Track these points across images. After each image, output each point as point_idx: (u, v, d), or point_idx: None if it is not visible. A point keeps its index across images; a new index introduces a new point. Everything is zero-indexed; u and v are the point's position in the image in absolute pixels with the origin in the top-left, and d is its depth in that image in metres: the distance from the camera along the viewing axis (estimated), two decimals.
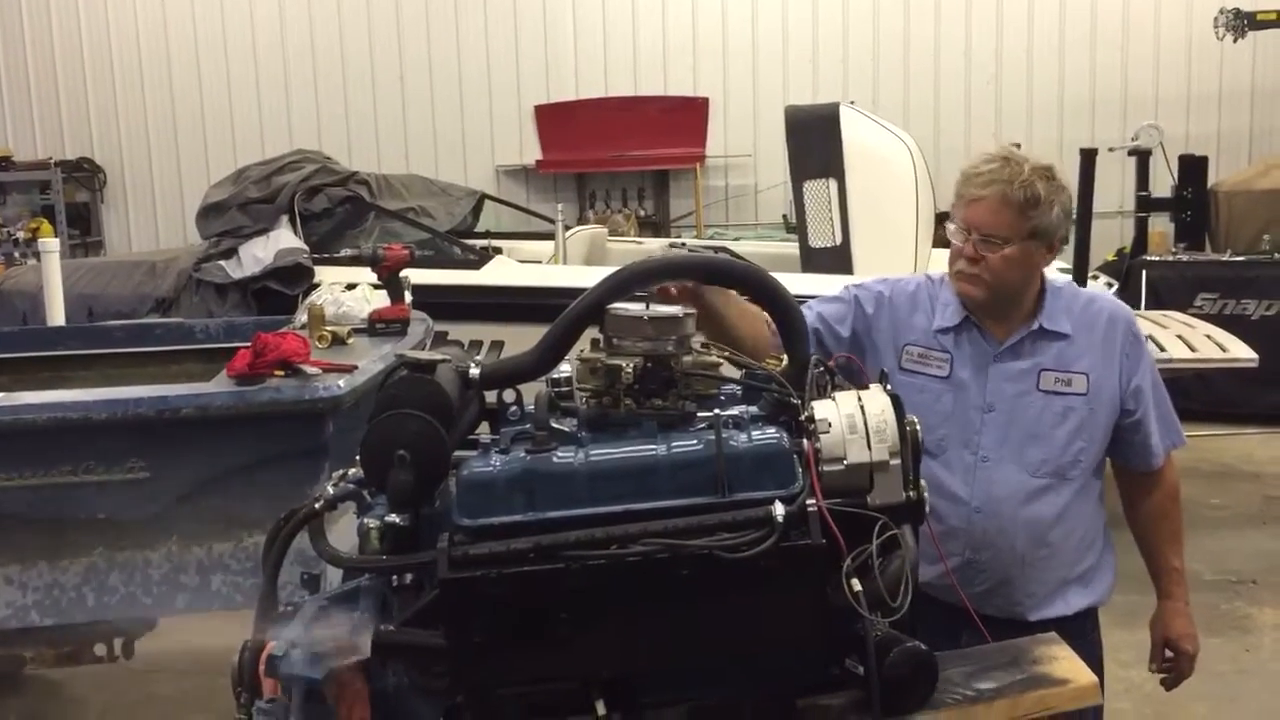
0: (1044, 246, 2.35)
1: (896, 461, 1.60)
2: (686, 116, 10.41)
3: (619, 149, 10.21)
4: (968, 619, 2.10)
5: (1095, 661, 2.32)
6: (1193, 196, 8.68)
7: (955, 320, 2.41)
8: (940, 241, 6.31)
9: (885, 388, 1.69)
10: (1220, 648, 4.69)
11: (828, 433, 1.61)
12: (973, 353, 2.41)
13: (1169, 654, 2.57)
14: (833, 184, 5.76)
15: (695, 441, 1.61)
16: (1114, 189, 9.31)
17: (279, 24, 10.49)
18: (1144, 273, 8.15)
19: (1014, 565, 2.39)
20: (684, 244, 7.79)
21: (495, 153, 10.60)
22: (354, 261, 5.93)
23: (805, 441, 1.61)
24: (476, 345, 5.66)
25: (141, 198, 10.77)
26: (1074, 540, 2.44)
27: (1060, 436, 2.38)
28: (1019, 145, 8.80)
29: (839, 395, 1.67)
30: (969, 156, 2.42)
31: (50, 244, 4.94)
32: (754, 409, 1.76)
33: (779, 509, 1.52)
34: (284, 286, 5.94)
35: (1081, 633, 2.18)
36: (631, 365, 1.68)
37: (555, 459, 1.60)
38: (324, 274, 5.83)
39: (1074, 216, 2.44)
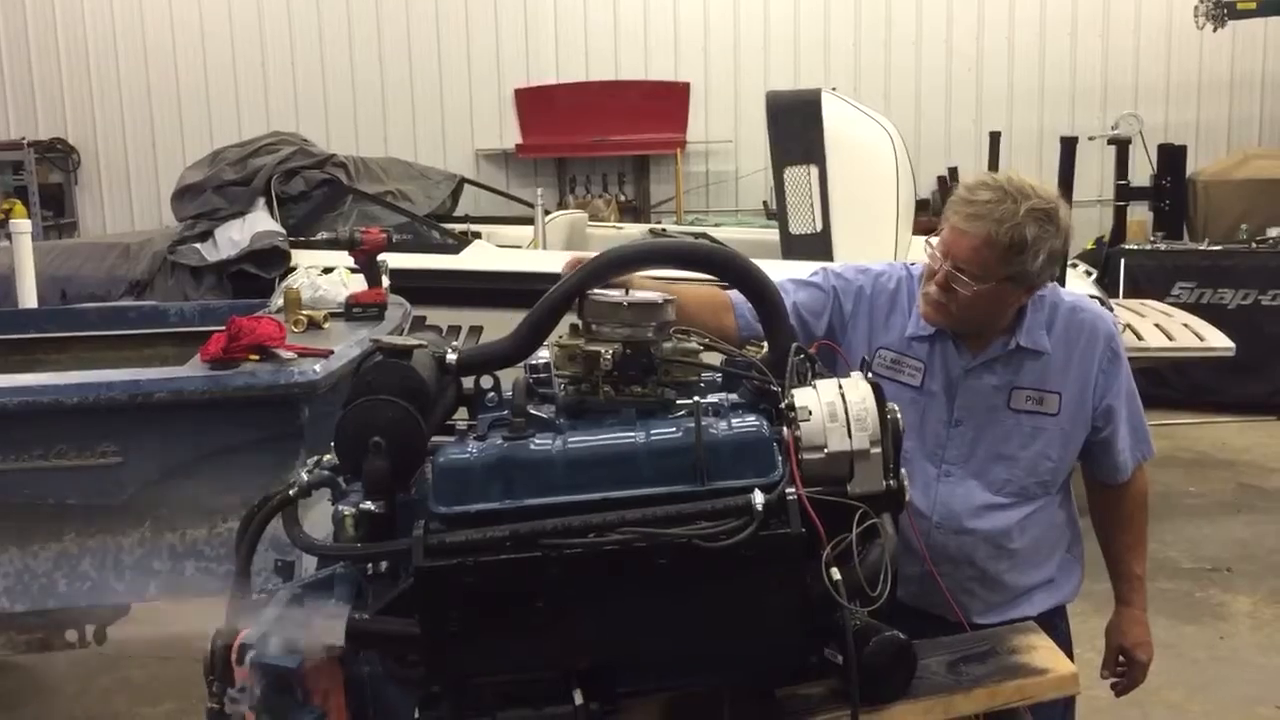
0: (1020, 289, 2.21)
1: (877, 450, 1.59)
2: (667, 101, 10.38)
3: (599, 133, 10.17)
4: (934, 625, 2.08)
5: (1066, 653, 2.29)
6: (1171, 186, 8.72)
7: (930, 329, 2.30)
8: (921, 229, 6.33)
9: (866, 376, 1.67)
10: (1195, 635, 4.73)
11: (808, 421, 1.60)
12: (944, 364, 2.32)
13: (1122, 661, 2.52)
14: (813, 170, 5.74)
15: (674, 429, 1.60)
16: (1093, 177, 9.36)
17: (256, 2, 10.39)
18: (1122, 261, 8.18)
19: (974, 579, 2.35)
20: (664, 230, 7.79)
21: (475, 136, 10.54)
22: (331, 245, 5.89)
23: (785, 429, 1.60)
24: (455, 330, 5.63)
25: (116, 179, 10.66)
26: (1038, 551, 2.39)
27: (1027, 458, 2.32)
28: (999, 134, 8.93)
29: (819, 383, 1.66)
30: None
31: (22, 225, 4.87)
32: (734, 396, 1.75)
33: (759, 497, 1.51)
34: (260, 270, 5.90)
35: (1049, 627, 2.15)
36: (610, 351, 1.67)
37: (533, 446, 1.58)
38: (300, 257, 5.78)
39: (1065, 259, 2.23)
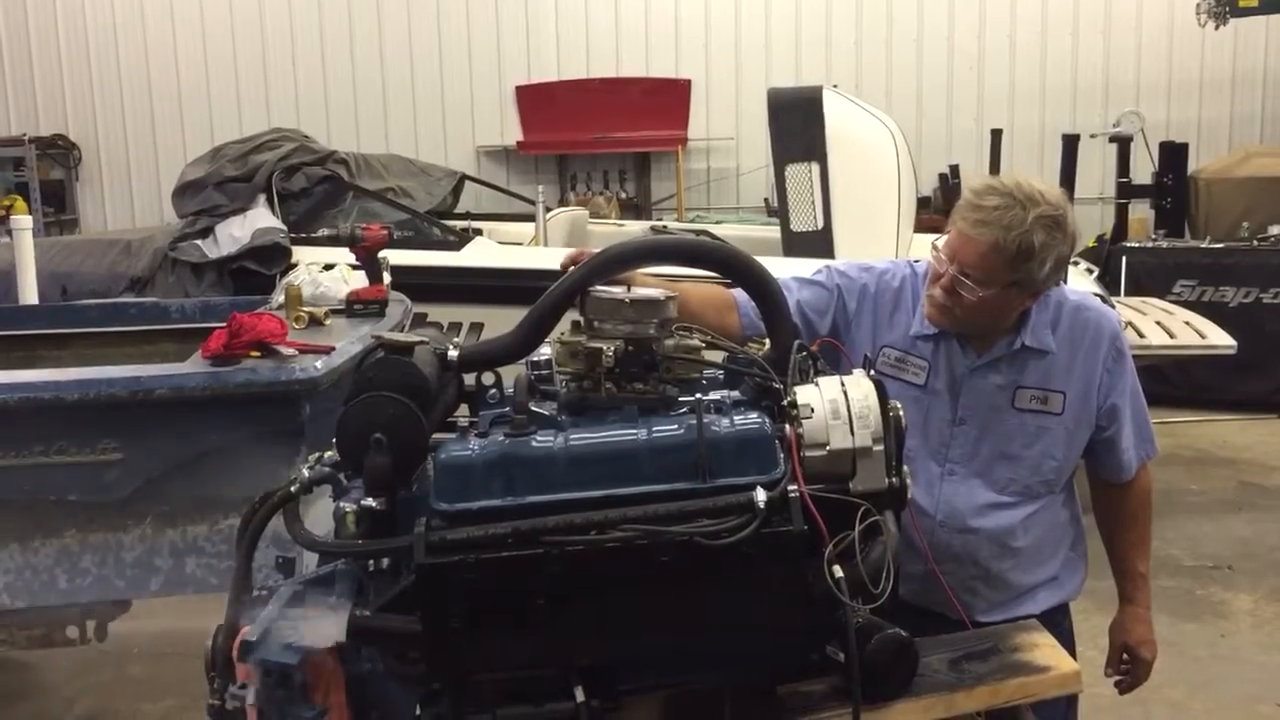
0: (1026, 294, 2.20)
1: (879, 447, 1.59)
2: (668, 98, 10.36)
3: (600, 130, 10.16)
4: (937, 623, 2.08)
5: (1069, 651, 2.29)
6: (1173, 183, 8.71)
7: (935, 328, 2.29)
8: (922, 226, 6.33)
9: (868, 373, 1.67)
10: (1196, 633, 4.73)
11: (810, 418, 1.59)
12: (949, 363, 2.31)
13: (1126, 659, 2.52)
14: (815, 167, 5.73)
15: (676, 426, 1.60)
16: (1095, 175, 9.36)
17: None
18: (1124, 259, 8.18)
19: (978, 578, 2.34)
20: (665, 227, 7.78)
21: (476, 133, 10.53)
22: (332, 242, 5.85)
23: (788, 427, 1.60)
24: (456, 327, 5.62)
25: (117, 175, 10.66)
26: (1041, 550, 2.38)
27: (1031, 457, 2.31)
28: (1000, 131, 8.92)
29: (822, 380, 1.66)
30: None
31: (23, 221, 4.87)
32: (736, 394, 1.75)
33: (761, 495, 1.51)
34: (261, 266, 5.89)
35: (1052, 625, 2.14)
36: (612, 348, 1.67)
37: (534, 443, 1.58)
38: (301, 254, 5.77)
39: (1069, 264, 2.24)
